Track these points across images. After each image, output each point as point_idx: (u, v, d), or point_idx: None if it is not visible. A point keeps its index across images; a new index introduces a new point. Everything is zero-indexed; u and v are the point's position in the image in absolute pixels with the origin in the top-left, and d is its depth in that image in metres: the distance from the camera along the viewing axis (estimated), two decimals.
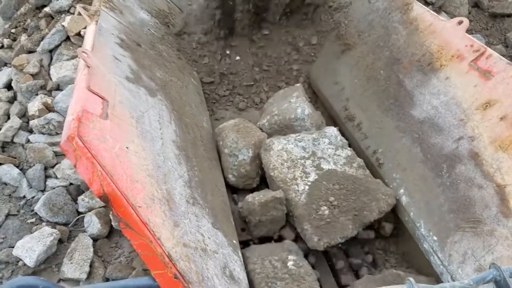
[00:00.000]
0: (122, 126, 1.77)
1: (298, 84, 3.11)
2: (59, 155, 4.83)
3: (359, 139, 2.62)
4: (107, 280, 4.15)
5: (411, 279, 1.26)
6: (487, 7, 4.52)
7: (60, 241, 4.32)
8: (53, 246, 4.20)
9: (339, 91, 2.90)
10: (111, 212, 1.56)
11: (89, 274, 4.10)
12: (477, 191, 1.86)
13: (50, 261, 4.18)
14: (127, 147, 1.70)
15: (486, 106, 1.99)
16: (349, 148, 2.47)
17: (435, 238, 1.94)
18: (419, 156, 2.19)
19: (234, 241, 2.00)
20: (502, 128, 1.89)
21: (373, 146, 2.50)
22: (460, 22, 2.28)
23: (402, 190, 2.21)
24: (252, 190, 2.53)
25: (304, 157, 2.44)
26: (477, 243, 1.77)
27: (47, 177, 4.72)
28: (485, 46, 2.11)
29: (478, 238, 1.78)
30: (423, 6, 2.61)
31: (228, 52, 3.62)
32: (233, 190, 2.66)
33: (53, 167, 4.77)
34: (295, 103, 2.85)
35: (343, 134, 2.77)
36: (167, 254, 1.49)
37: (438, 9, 4.21)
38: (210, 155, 2.39)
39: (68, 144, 1.52)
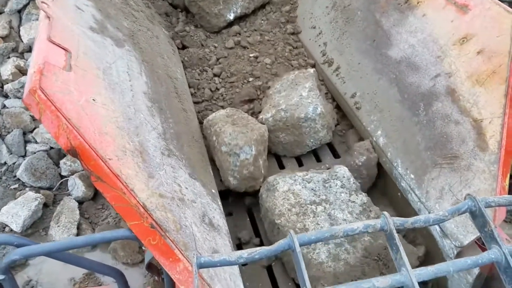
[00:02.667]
0: (87, 78, 1.70)
1: (311, 70, 2.64)
2: (37, 119, 4.73)
3: (338, 84, 2.58)
4: None
5: (385, 213, 1.26)
6: None
7: (45, 205, 4.30)
8: (39, 211, 4.18)
9: (316, 36, 2.82)
10: (85, 169, 1.52)
11: (77, 236, 4.12)
12: (454, 127, 1.85)
13: (37, 225, 4.18)
14: (93, 99, 1.64)
15: (463, 41, 1.95)
16: (363, 194, 2.11)
17: (412, 176, 1.94)
18: (396, 97, 2.16)
19: (213, 191, 1.98)
20: (479, 62, 1.86)
21: (352, 89, 2.47)
22: None
23: (379, 132, 2.20)
24: (255, 193, 2.28)
25: (315, 201, 2.08)
26: (454, 178, 1.77)
27: (26, 142, 4.64)
28: None
29: (455, 174, 1.78)
30: None
31: None
32: (226, 194, 2.34)
33: (32, 131, 4.69)
34: (307, 98, 2.43)
35: (322, 81, 2.72)
36: (142, 204, 1.47)
37: None
38: (186, 106, 2.33)
39: (31, 97, 1.46)
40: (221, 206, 1.97)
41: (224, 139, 2.17)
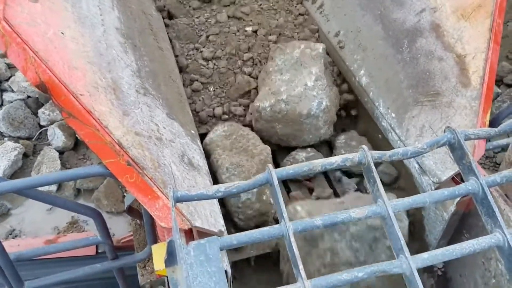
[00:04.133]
0: (55, 10, 1.60)
1: (320, 48, 2.22)
2: (12, 67, 4.58)
3: (322, 23, 2.50)
4: (78, 190, 4.17)
5: (364, 146, 1.24)
6: None
7: (25, 155, 4.26)
8: (19, 161, 4.14)
9: None
10: (55, 105, 1.46)
11: (59, 186, 4.11)
12: (437, 63, 1.82)
13: (17, 175, 4.15)
14: (62, 33, 1.55)
15: None
16: None
17: (393, 115, 1.93)
18: (381, 34, 2.10)
19: (193, 131, 1.95)
20: None
21: (335, 28, 2.39)
22: None
23: (362, 71, 2.15)
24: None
25: (351, 263, 1.71)
26: (435, 115, 1.76)
27: (2, 91, 4.52)
28: None
29: (436, 111, 1.76)
30: None
31: None
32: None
33: (7, 80, 4.55)
34: (312, 89, 2.10)
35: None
36: (117, 142, 1.43)
37: None
38: (162, 45, 2.24)
39: None
40: (201, 146, 1.94)
41: (222, 176, 1.95)
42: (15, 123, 4.28)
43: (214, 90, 2.40)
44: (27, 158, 4.29)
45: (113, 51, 1.73)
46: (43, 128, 4.38)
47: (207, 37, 2.57)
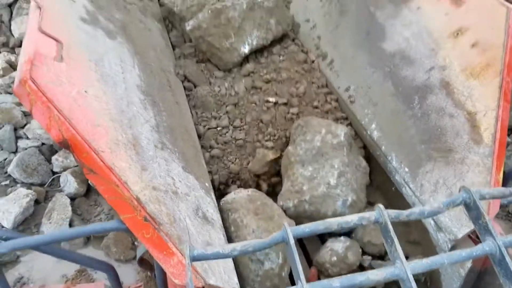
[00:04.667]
0: (79, 69, 1.68)
1: (342, 133, 2.11)
2: (28, 115, 4.68)
3: (332, 78, 2.57)
4: (87, 238, 4.15)
5: (380, 205, 1.25)
6: None
7: (37, 201, 4.27)
8: (30, 207, 4.15)
9: (310, 29, 2.81)
10: (77, 161, 1.50)
11: None
12: (448, 120, 1.85)
13: (29, 222, 4.15)
14: (86, 91, 1.62)
15: (457, 34, 1.95)
16: None
17: (406, 169, 1.94)
18: (391, 90, 2.15)
19: (207, 184, 1.97)
20: (473, 55, 1.86)
21: (345, 83, 2.46)
22: None
23: (373, 125, 2.19)
24: None
25: None
26: (449, 171, 1.77)
27: (17, 138, 4.60)
28: None
29: (449, 167, 1.78)
30: None
31: None
32: None
33: (23, 127, 4.65)
34: (335, 187, 2.01)
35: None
36: (135, 197, 1.46)
37: None
38: (179, 99, 2.31)
39: (21, 88, 1.45)
40: (214, 199, 1.95)
41: (247, 236, 1.84)
42: (28, 169, 4.33)
43: (232, 161, 2.38)
44: (39, 205, 4.30)
45: (134, 107, 1.79)
46: (56, 175, 4.42)
47: (226, 106, 2.52)
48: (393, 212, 1.25)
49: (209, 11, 2.55)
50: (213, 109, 2.51)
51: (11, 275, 3.79)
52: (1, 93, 4.61)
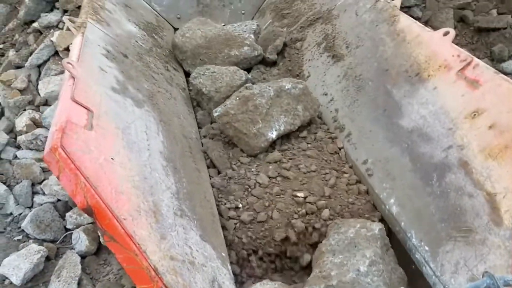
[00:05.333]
0: (107, 137, 1.74)
1: (376, 229, 2.06)
2: (47, 171, 4.76)
3: (350, 150, 2.61)
4: None
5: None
6: (472, 21, 4.60)
7: (47, 258, 4.23)
8: (40, 264, 4.10)
9: (328, 102, 2.89)
10: (100, 232, 1.52)
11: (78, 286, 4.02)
12: (468, 199, 1.85)
13: (38, 279, 4.08)
14: (112, 158, 1.67)
15: (475, 115, 1.99)
16: None
17: (426, 248, 1.91)
18: (409, 166, 2.17)
19: (223, 254, 1.96)
20: (491, 137, 1.89)
21: (363, 156, 2.49)
22: (446, 33, 2.29)
23: (392, 200, 2.19)
24: None
25: None
26: (469, 252, 1.75)
27: (34, 193, 4.64)
28: (472, 56, 2.12)
29: (470, 248, 1.75)
30: (410, 17, 2.63)
31: None
32: None
33: (40, 183, 4.71)
34: (365, 275, 1.88)
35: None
36: (153, 267, 1.46)
37: (425, 24, 4.28)
38: (199, 166, 2.36)
39: (51, 155, 1.49)
40: (230, 270, 1.93)
41: None
42: (42, 225, 4.33)
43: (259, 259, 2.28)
44: (49, 261, 4.26)
45: (156, 174, 1.83)
46: (68, 232, 4.42)
47: (250, 195, 2.38)
48: None
49: (237, 98, 2.61)
50: (237, 196, 2.38)
51: None
52: (22, 149, 4.73)
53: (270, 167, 2.54)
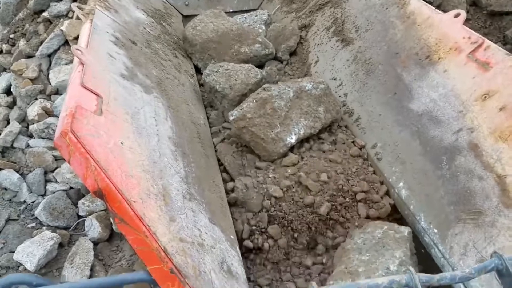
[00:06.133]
0: (116, 122, 1.76)
1: (405, 231, 2.00)
2: (59, 159, 4.83)
3: (358, 135, 2.60)
4: None
5: (412, 268, 1.24)
6: (485, 5, 4.51)
7: (60, 245, 4.31)
8: (54, 250, 4.18)
9: (337, 87, 2.88)
10: (111, 215, 1.54)
11: (90, 277, 4.09)
12: (478, 182, 1.83)
13: (51, 265, 4.17)
14: (122, 143, 1.68)
15: (485, 97, 1.97)
16: None
17: (435, 230, 1.91)
18: (419, 149, 2.16)
19: (232, 237, 1.98)
20: (501, 119, 1.87)
21: (372, 140, 2.48)
22: (457, 15, 2.26)
23: (401, 184, 2.18)
24: None
25: None
26: (478, 234, 1.74)
27: (47, 181, 4.72)
28: (483, 38, 2.09)
29: (479, 230, 1.75)
30: (420, 0, 2.59)
31: None
32: None
33: (53, 171, 4.78)
34: (395, 274, 1.85)
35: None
36: (163, 248, 1.47)
37: (437, 8, 4.22)
38: (207, 152, 2.37)
39: (62, 139, 1.51)
40: (239, 253, 1.95)
41: None
42: (55, 213, 4.40)
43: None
44: (62, 248, 4.34)
45: (165, 159, 1.84)
46: (81, 219, 4.48)
47: (265, 209, 2.24)
48: (424, 276, 1.23)
49: (254, 101, 2.43)
50: (252, 209, 2.25)
51: None
52: (34, 138, 4.79)
53: (289, 170, 2.36)
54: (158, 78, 2.34)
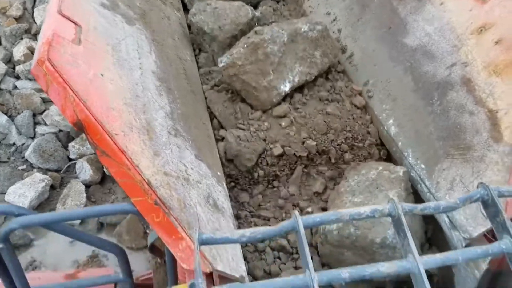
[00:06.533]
0: (96, 52, 1.69)
1: (400, 171, 1.96)
2: (47, 101, 4.75)
3: (351, 73, 2.53)
4: (101, 224, 4.20)
5: (395, 198, 1.23)
6: None
7: (52, 187, 4.34)
8: (45, 192, 4.21)
9: (330, 23, 2.77)
10: (92, 147, 1.51)
11: (83, 219, 4.15)
12: (468, 117, 1.81)
13: (43, 207, 4.21)
14: (102, 74, 1.62)
15: (481, 30, 1.90)
16: None
17: (422, 166, 1.90)
18: (411, 85, 2.12)
19: (219, 173, 1.96)
20: (496, 52, 1.82)
21: (364, 77, 2.42)
22: None
23: (391, 121, 2.16)
24: None
25: None
26: (466, 169, 1.73)
27: (36, 123, 4.67)
28: None
29: (467, 165, 1.74)
30: None
31: None
32: None
33: (41, 113, 4.72)
34: None
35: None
36: (146, 181, 1.46)
37: None
38: (194, 88, 2.31)
39: (38, 68, 1.46)
40: (226, 188, 1.95)
41: None
42: (45, 155, 4.39)
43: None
44: (54, 190, 4.37)
45: (149, 93, 1.79)
46: (72, 162, 4.48)
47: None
48: (407, 205, 1.22)
49: (245, 46, 2.24)
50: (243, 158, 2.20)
51: (24, 258, 3.85)
52: (21, 79, 4.68)
53: (282, 124, 2.26)
54: (142, 9, 2.23)
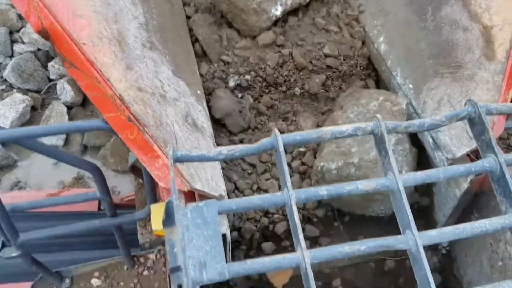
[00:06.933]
0: None
1: (403, 103, 1.83)
2: (24, 18, 4.48)
3: None
4: (85, 147, 4.16)
5: (378, 115, 1.17)
6: None
7: (33, 108, 4.23)
8: (26, 113, 4.11)
9: None
10: (59, 58, 1.41)
11: (66, 141, 4.10)
12: (462, 33, 1.71)
13: None
14: None
15: None
16: None
17: (410, 86, 1.83)
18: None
19: (199, 92, 1.88)
20: None
21: None
22: None
23: (382, 38, 2.04)
24: None
25: None
26: (455, 88, 1.67)
27: (13, 41, 4.45)
28: None
29: (456, 84, 1.67)
30: None
31: None
32: None
33: (18, 31, 4.48)
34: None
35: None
36: (118, 96, 1.38)
37: None
38: None
39: None
40: (206, 108, 1.87)
41: None
42: (24, 75, 4.23)
43: None
44: (35, 112, 4.26)
45: (121, 1, 1.65)
46: (52, 82, 4.33)
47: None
48: (390, 123, 1.17)
49: None
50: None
51: (8, 179, 3.85)
52: None
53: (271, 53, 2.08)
54: None
